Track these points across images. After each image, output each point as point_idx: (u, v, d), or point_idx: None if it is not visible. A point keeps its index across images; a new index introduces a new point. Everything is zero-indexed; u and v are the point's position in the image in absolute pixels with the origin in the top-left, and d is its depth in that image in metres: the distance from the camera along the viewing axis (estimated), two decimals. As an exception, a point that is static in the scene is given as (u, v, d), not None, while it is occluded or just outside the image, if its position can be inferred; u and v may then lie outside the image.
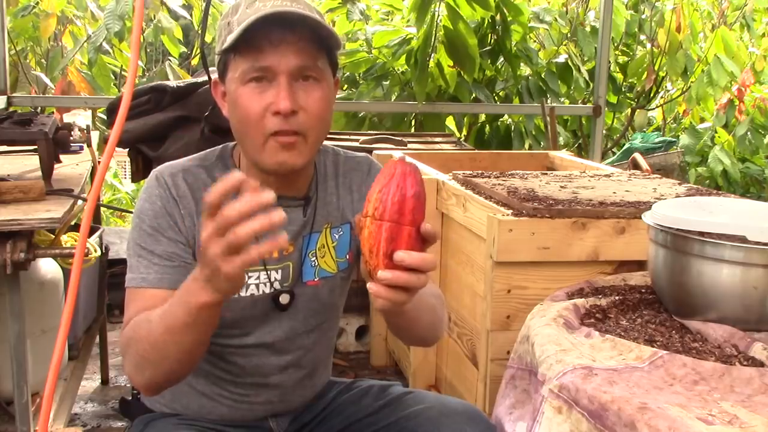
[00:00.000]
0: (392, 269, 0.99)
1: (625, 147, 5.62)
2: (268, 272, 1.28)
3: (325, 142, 1.35)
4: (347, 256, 1.36)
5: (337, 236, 1.35)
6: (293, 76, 1.17)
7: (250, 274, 1.27)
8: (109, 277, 2.81)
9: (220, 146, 1.32)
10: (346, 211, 1.36)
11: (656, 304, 1.48)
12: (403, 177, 1.01)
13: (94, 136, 2.60)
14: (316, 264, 1.32)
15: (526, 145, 4.64)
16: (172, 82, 2.78)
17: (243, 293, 1.27)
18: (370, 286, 1.01)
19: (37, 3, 4.57)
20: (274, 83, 1.17)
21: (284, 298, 1.30)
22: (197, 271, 1.01)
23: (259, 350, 1.32)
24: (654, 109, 6.47)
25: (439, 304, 1.33)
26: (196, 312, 1.02)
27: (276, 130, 1.17)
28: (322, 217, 1.33)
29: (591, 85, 4.54)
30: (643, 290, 1.56)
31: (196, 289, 1.01)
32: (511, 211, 1.82)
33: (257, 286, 1.28)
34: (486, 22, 4.34)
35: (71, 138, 2.08)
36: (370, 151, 2.61)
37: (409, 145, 3.31)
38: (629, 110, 5.80)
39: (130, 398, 1.46)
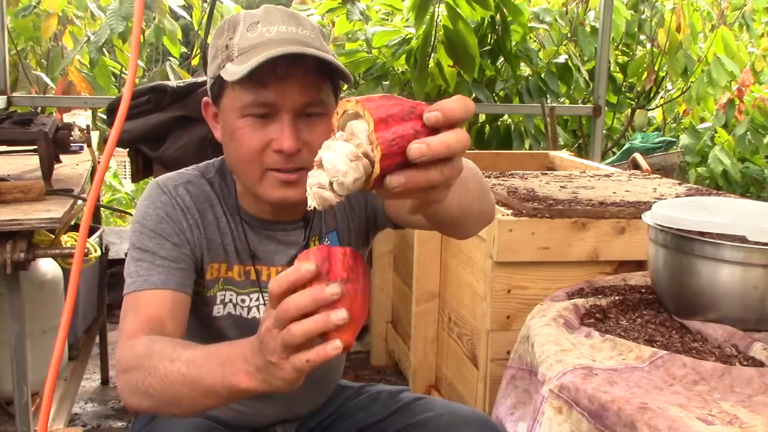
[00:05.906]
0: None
1: (625, 147, 5.60)
2: (262, 294, 1.24)
3: None
4: None
5: (327, 244, 1.30)
6: (297, 112, 1.10)
7: (249, 297, 1.24)
8: (109, 277, 2.81)
9: (219, 159, 1.27)
10: (328, 218, 1.29)
11: (656, 304, 1.49)
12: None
13: (94, 136, 2.60)
14: None
15: (526, 145, 4.64)
16: (172, 82, 2.77)
17: (245, 315, 1.24)
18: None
19: (38, 3, 4.56)
20: (276, 118, 1.10)
21: None
22: (249, 352, 0.86)
23: None
24: (654, 109, 6.46)
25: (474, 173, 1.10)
26: (232, 391, 0.89)
27: (277, 168, 1.12)
28: (316, 233, 1.29)
29: (591, 85, 4.53)
30: (643, 290, 1.56)
31: (241, 371, 0.87)
32: (511, 211, 1.83)
33: (258, 308, 1.25)
34: (486, 22, 4.33)
35: (71, 138, 2.08)
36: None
37: (409, 145, 3.31)
38: (629, 110, 5.79)
39: None
